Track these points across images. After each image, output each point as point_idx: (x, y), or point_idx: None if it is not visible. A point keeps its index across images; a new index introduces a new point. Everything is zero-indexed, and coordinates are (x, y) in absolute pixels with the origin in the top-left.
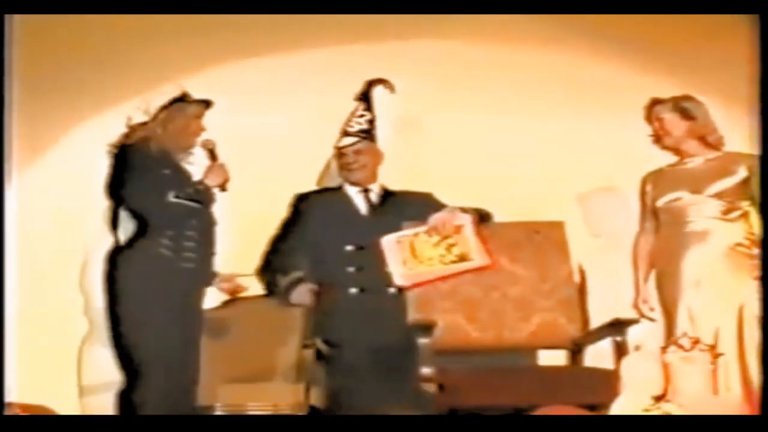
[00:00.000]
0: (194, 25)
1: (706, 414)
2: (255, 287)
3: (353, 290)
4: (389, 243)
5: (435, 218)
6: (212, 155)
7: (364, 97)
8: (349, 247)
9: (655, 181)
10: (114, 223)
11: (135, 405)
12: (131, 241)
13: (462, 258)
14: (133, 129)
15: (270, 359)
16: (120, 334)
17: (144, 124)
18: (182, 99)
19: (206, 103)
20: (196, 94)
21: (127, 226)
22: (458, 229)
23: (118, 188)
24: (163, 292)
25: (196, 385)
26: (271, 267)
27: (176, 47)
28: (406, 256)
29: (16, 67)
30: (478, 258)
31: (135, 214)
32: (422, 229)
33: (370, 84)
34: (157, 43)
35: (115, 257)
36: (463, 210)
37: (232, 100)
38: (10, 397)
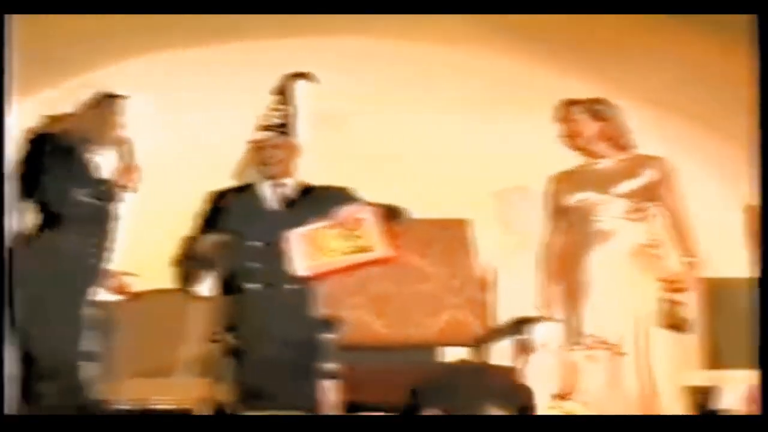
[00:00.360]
0: (115, 22)
1: (610, 413)
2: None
3: (257, 286)
4: (295, 236)
5: (339, 212)
6: (126, 154)
7: (281, 91)
8: (256, 243)
9: (564, 180)
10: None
11: (36, 400)
12: (34, 233)
13: (364, 249)
14: (56, 119)
15: (176, 354)
16: (19, 327)
17: (70, 115)
18: (110, 95)
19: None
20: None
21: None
22: (361, 222)
23: (31, 177)
24: (66, 286)
25: (98, 380)
26: (185, 259)
27: (93, 43)
28: (310, 249)
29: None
30: (380, 249)
31: (43, 206)
32: (327, 222)
33: (288, 78)
34: (77, 39)
35: (16, 248)
36: (372, 205)
37: (147, 95)
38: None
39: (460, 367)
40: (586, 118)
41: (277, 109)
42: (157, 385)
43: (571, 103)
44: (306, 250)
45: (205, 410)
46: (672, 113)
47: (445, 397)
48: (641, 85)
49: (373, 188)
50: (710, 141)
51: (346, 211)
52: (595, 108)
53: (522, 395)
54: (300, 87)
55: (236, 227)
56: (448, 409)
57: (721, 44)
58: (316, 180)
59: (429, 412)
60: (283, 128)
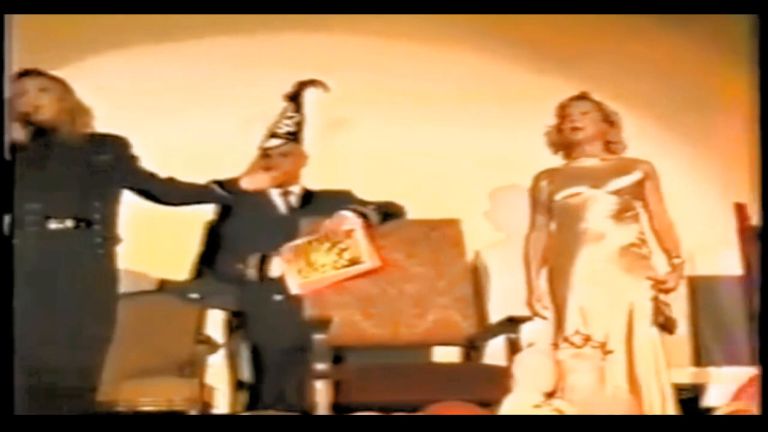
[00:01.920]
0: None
1: (602, 413)
2: None
3: (278, 297)
4: (286, 252)
5: (326, 225)
6: None
7: (294, 98)
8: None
9: (551, 177)
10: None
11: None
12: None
13: (353, 262)
14: None
15: (165, 355)
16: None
17: None
18: None
19: None
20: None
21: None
22: (349, 233)
23: None
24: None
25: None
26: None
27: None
28: (300, 265)
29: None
30: (369, 261)
31: None
32: (314, 236)
33: (302, 85)
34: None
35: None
36: (356, 211)
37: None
38: None
39: None
40: (597, 116)
41: (289, 117)
42: (147, 386)
43: (583, 97)
44: (297, 266)
45: (194, 411)
46: (652, 114)
47: None
48: (621, 85)
49: (371, 189)
50: (695, 141)
51: (332, 224)
52: (607, 110)
53: None
54: (310, 94)
55: (247, 235)
56: None
57: (694, 44)
58: (316, 183)
59: None
60: (293, 136)
